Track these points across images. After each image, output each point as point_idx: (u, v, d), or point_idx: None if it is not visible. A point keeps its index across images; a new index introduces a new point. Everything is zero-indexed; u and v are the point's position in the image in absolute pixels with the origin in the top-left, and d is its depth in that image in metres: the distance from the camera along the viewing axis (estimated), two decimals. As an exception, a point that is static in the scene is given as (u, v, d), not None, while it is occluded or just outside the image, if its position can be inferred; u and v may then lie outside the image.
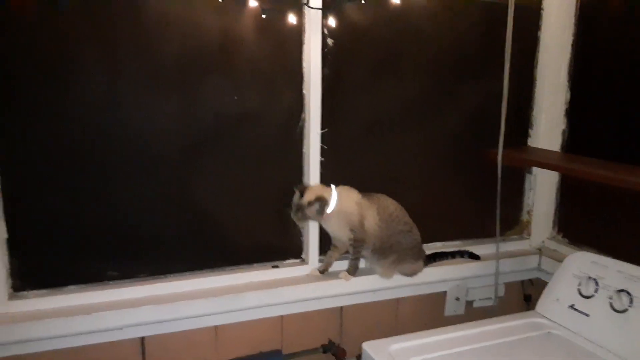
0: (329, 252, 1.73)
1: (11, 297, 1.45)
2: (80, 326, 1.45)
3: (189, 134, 1.59)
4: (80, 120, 1.47)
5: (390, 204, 1.69)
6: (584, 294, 1.51)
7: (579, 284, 1.53)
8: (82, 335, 1.48)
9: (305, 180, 1.71)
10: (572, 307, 1.53)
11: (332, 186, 1.64)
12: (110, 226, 1.54)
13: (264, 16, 1.56)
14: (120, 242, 1.56)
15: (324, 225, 1.67)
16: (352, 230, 1.63)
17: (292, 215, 1.61)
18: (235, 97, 1.61)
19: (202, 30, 1.54)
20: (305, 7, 1.59)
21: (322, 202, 1.58)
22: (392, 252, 1.69)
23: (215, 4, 1.52)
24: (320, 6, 1.59)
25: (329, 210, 1.60)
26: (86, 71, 1.45)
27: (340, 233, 1.66)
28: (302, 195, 1.59)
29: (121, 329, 1.51)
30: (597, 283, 1.49)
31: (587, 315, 1.48)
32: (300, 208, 1.58)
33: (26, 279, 1.47)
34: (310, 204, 1.58)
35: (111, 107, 1.50)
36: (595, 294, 1.48)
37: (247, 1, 1.54)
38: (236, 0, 1.53)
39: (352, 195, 1.65)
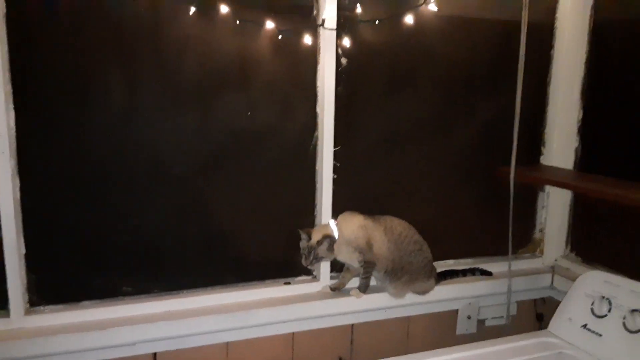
0: (343, 273, 1.74)
1: (27, 312, 1.47)
2: (95, 341, 1.47)
3: (205, 152, 1.61)
4: (98, 138, 1.50)
5: (398, 225, 1.69)
6: (597, 313, 1.50)
7: (592, 304, 1.52)
8: (96, 351, 1.49)
9: (317, 197, 1.72)
10: (584, 326, 1.51)
11: (330, 220, 1.66)
12: (125, 243, 1.57)
13: (280, 37, 1.58)
14: (135, 259, 1.58)
15: (337, 258, 1.67)
16: (360, 253, 1.64)
17: (304, 261, 1.62)
18: (249, 113, 1.63)
19: (220, 50, 1.57)
20: (320, 28, 1.61)
21: (330, 238, 1.61)
22: (404, 273, 1.69)
23: (233, 26, 1.55)
24: (335, 27, 1.61)
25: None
26: (109, 92, 1.49)
27: (350, 260, 1.67)
28: (309, 238, 1.61)
29: (134, 344, 1.52)
30: (610, 303, 1.48)
31: (599, 335, 1.47)
32: (311, 249, 1.60)
33: (43, 294, 1.49)
34: (319, 242, 1.60)
35: (130, 125, 1.52)
36: (609, 313, 1.47)
37: (264, 23, 1.56)
38: (253, 22, 1.56)
39: (354, 220, 1.66)
